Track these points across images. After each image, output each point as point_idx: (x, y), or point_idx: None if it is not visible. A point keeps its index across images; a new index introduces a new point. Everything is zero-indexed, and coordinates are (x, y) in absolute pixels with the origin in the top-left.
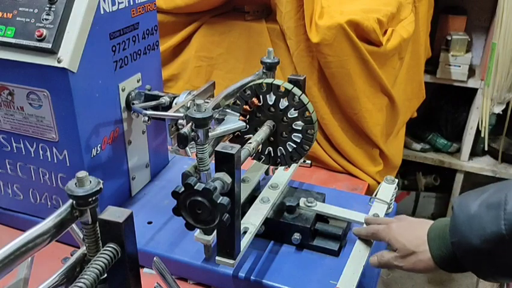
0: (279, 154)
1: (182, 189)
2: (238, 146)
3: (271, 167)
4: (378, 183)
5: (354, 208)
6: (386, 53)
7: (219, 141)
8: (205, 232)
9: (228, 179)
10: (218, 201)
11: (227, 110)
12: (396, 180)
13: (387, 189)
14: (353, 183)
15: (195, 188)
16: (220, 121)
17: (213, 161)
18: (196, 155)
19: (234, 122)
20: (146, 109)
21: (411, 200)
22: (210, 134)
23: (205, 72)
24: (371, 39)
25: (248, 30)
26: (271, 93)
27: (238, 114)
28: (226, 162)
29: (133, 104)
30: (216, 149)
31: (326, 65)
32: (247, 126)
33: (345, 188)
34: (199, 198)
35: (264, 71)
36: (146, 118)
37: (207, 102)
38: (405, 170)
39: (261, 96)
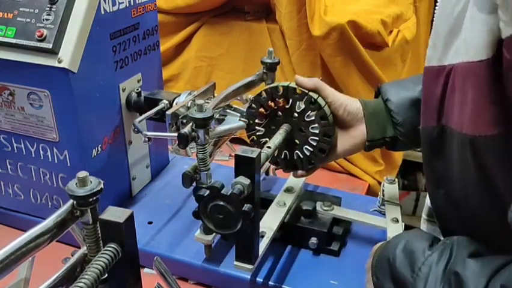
0: (295, 158)
1: (207, 192)
2: (258, 150)
3: (272, 167)
4: (379, 183)
5: (355, 208)
6: (388, 55)
7: (219, 142)
8: (224, 238)
9: (248, 184)
10: (242, 208)
11: (227, 110)
12: (397, 180)
13: (392, 190)
14: (353, 183)
15: (222, 192)
16: (220, 121)
17: (213, 161)
18: (197, 155)
19: (234, 122)
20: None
21: (412, 200)
22: (210, 134)
23: (206, 73)
24: (376, 42)
25: (248, 31)
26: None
27: (238, 115)
28: (246, 167)
29: (132, 106)
30: (235, 153)
31: (329, 64)
32: (264, 130)
33: (345, 188)
34: (223, 203)
35: (265, 71)
36: (147, 139)
37: (207, 103)
38: (405, 170)
39: (279, 100)
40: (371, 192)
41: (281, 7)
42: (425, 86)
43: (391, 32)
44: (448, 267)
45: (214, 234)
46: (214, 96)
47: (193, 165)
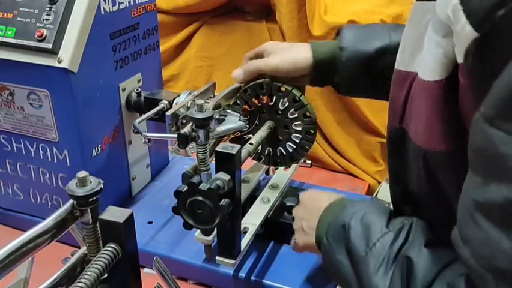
0: (278, 154)
1: (186, 188)
2: (238, 146)
3: (272, 167)
4: (379, 183)
5: None
6: None
7: (220, 142)
8: (203, 232)
9: (228, 179)
10: (220, 203)
11: (227, 110)
12: None
13: (388, 189)
14: (353, 183)
15: (200, 187)
16: (220, 121)
17: (213, 161)
18: (197, 155)
19: (234, 122)
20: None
21: None
22: (210, 134)
23: (206, 73)
24: None
25: (248, 31)
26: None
27: (238, 115)
28: (227, 162)
29: (132, 106)
30: (216, 149)
31: None
32: (248, 126)
33: (345, 188)
34: (202, 199)
35: None
36: (147, 140)
37: (207, 103)
38: None
39: (263, 97)
40: (371, 192)
41: (281, 7)
42: (393, 87)
43: None
44: (402, 249)
45: (214, 234)
46: (214, 96)
47: (193, 165)
